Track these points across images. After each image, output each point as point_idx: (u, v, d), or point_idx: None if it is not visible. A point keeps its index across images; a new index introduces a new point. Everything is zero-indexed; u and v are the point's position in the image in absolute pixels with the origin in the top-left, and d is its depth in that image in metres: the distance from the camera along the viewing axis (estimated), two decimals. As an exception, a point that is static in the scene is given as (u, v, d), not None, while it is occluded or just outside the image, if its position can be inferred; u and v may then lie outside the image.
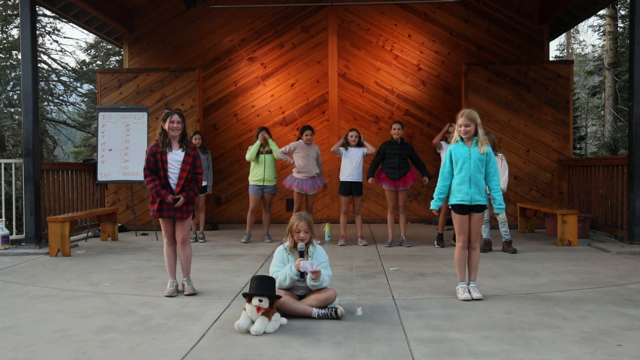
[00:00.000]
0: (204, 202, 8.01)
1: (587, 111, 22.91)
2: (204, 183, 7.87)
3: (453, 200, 4.42)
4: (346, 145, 7.32)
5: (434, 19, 9.84)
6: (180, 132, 4.53)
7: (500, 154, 6.74)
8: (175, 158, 4.52)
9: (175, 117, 4.50)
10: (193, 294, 4.51)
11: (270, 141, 7.67)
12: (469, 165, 4.34)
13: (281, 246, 4.07)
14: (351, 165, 7.24)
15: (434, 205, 4.50)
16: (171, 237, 4.59)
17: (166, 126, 4.50)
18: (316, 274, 3.80)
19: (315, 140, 8.43)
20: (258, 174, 7.60)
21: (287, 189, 7.70)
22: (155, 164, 4.49)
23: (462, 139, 4.41)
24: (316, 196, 7.69)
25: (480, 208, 4.40)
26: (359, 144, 7.34)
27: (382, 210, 9.79)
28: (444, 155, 4.52)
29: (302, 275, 3.86)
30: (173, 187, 4.51)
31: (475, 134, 4.37)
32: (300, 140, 7.52)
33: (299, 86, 9.97)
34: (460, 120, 4.38)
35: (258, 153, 7.60)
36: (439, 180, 4.49)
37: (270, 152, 7.64)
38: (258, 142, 7.61)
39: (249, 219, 7.71)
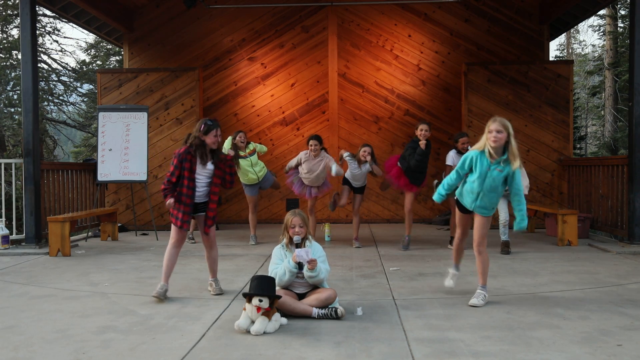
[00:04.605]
0: None
1: (587, 111, 22.91)
2: None
3: (458, 196, 4.27)
4: (358, 162, 6.91)
5: (434, 19, 9.84)
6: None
7: None
8: (203, 173, 4.39)
9: (219, 132, 4.38)
10: (220, 293, 4.54)
11: (251, 145, 7.30)
12: (482, 181, 4.01)
13: (278, 245, 4.09)
14: (355, 177, 7.01)
15: (436, 197, 4.31)
16: (179, 241, 4.46)
17: (209, 140, 4.32)
18: (312, 263, 3.81)
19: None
20: (250, 175, 7.27)
21: (289, 186, 7.38)
22: (182, 171, 4.33)
23: (489, 150, 3.96)
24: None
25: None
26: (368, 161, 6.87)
27: (382, 211, 9.80)
28: (464, 156, 4.16)
29: (300, 267, 3.87)
30: (202, 197, 4.43)
31: (506, 147, 3.93)
32: (307, 152, 6.96)
33: (299, 86, 9.97)
34: (493, 125, 3.91)
35: (239, 158, 7.13)
36: (450, 174, 4.24)
37: (252, 152, 7.24)
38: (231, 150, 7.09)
39: (251, 220, 7.52)
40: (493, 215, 4.34)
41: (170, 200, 4.36)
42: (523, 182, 6.49)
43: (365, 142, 9.47)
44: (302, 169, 7.00)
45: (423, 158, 6.53)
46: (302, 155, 7.02)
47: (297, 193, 7.24)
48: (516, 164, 3.91)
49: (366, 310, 3.99)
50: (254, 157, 7.29)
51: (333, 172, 6.74)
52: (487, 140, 3.96)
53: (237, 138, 7.11)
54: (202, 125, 4.32)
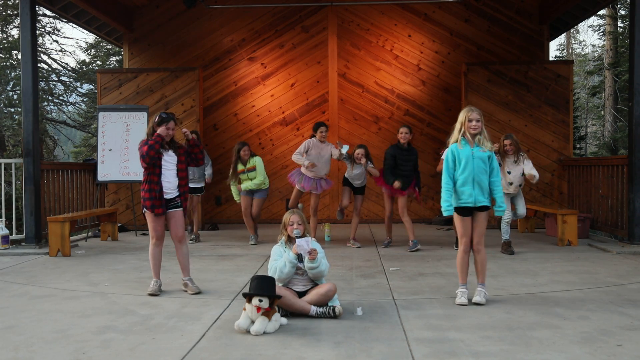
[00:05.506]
0: (198, 202, 7.97)
1: (587, 111, 22.91)
2: (200, 185, 7.85)
3: (455, 203, 4.25)
4: (352, 162, 7.04)
5: (434, 19, 9.84)
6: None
7: (522, 153, 6.60)
8: (170, 160, 4.63)
9: (172, 124, 4.61)
10: (198, 292, 4.57)
11: (254, 159, 7.31)
12: (472, 165, 4.17)
13: (277, 244, 4.11)
14: (355, 177, 7.09)
15: (448, 211, 4.24)
16: (160, 237, 4.64)
17: (161, 131, 4.56)
18: (312, 253, 3.84)
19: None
20: (248, 186, 7.32)
21: (290, 184, 7.39)
22: (151, 159, 4.52)
23: (463, 138, 4.23)
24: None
25: (483, 208, 4.23)
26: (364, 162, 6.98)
27: (382, 211, 9.76)
28: (445, 155, 4.33)
29: (300, 259, 3.89)
30: (173, 187, 4.63)
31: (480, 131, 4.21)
32: (313, 139, 7.13)
33: (299, 86, 9.97)
34: (472, 115, 4.19)
35: (239, 172, 7.30)
36: (443, 183, 4.26)
37: (252, 169, 7.27)
38: (233, 183, 7.37)
39: (246, 222, 7.52)
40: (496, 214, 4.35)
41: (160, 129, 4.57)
42: (532, 172, 6.40)
43: (365, 142, 9.51)
44: (309, 155, 7.07)
45: (406, 157, 6.72)
46: (309, 142, 7.13)
47: (307, 189, 7.17)
48: (489, 145, 4.24)
49: (366, 310, 3.99)
50: (252, 174, 7.32)
51: (343, 152, 7.00)
52: (467, 129, 4.22)
53: (242, 152, 7.27)
54: (157, 117, 4.63)
